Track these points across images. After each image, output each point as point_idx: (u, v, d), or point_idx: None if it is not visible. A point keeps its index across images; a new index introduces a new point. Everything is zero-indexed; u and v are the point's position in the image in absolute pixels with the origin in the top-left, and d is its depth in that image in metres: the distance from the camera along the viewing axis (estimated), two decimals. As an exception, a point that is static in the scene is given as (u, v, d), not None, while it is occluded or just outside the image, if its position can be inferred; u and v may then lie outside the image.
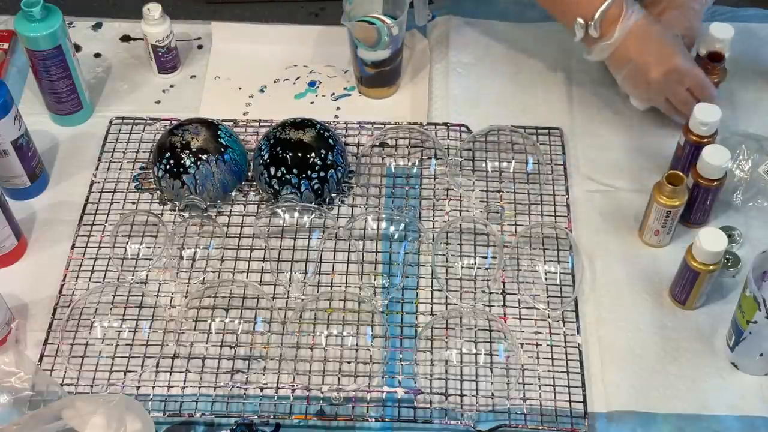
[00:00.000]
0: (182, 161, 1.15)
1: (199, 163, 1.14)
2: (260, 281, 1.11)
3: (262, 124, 1.26)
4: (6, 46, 1.36)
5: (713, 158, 1.08)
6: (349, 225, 1.15)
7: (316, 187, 1.16)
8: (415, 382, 1.03)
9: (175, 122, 1.22)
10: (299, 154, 1.15)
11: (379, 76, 1.29)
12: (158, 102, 1.32)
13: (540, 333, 1.07)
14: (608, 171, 1.23)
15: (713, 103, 1.13)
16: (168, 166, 1.15)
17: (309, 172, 1.15)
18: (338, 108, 1.31)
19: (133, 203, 1.19)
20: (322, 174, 1.15)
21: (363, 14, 1.27)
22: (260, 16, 2.46)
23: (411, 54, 1.36)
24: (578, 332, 1.07)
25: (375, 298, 1.10)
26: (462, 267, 1.12)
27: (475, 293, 1.10)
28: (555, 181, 1.21)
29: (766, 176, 1.17)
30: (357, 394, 1.02)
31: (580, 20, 1.17)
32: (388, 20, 1.25)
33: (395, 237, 1.15)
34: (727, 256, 1.12)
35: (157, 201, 1.19)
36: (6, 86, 1.11)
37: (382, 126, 1.26)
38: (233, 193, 1.19)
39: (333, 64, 1.36)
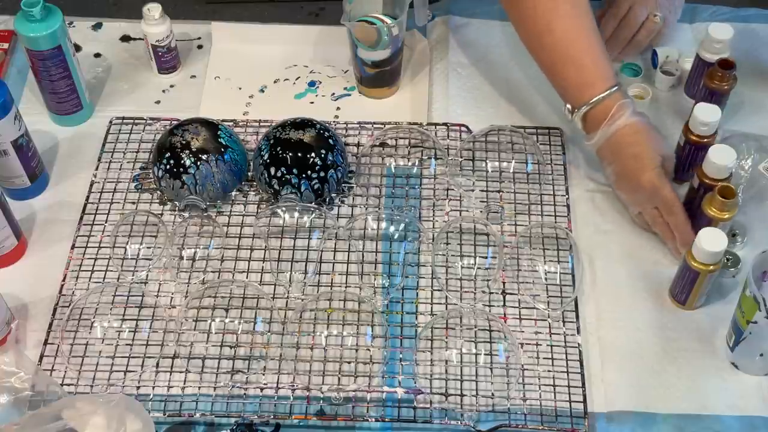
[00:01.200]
0: (182, 161, 1.15)
1: (199, 163, 1.14)
2: (260, 281, 1.11)
3: (262, 124, 1.26)
4: (6, 46, 1.36)
5: (719, 158, 1.08)
6: (349, 225, 1.15)
7: (316, 187, 1.16)
8: (415, 382, 1.03)
9: (175, 122, 1.22)
10: (299, 154, 1.15)
11: (380, 76, 1.29)
12: (158, 102, 1.32)
13: (540, 333, 1.07)
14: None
15: (686, 232, 1.09)
16: (168, 166, 1.15)
17: (309, 172, 1.15)
18: (338, 108, 1.31)
19: (133, 203, 1.19)
20: (322, 174, 1.15)
21: (363, 14, 1.27)
22: (260, 16, 2.46)
23: (411, 54, 1.36)
24: (578, 332, 1.07)
25: (375, 298, 1.10)
26: (462, 267, 1.12)
27: (475, 293, 1.10)
28: (555, 181, 1.21)
29: (767, 173, 1.17)
30: (357, 394, 1.02)
31: (568, 106, 1.16)
32: (388, 20, 1.25)
33: (395, 237, 1.15)
34: (727, 256, 1.12)
35: (157, 201, 1.19)
36: (6, 86, 1.11)
37: (382, 126, 1.26)
38: (233, 193, 1.19)
39: (333, 64, 1.36)
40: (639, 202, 1.14)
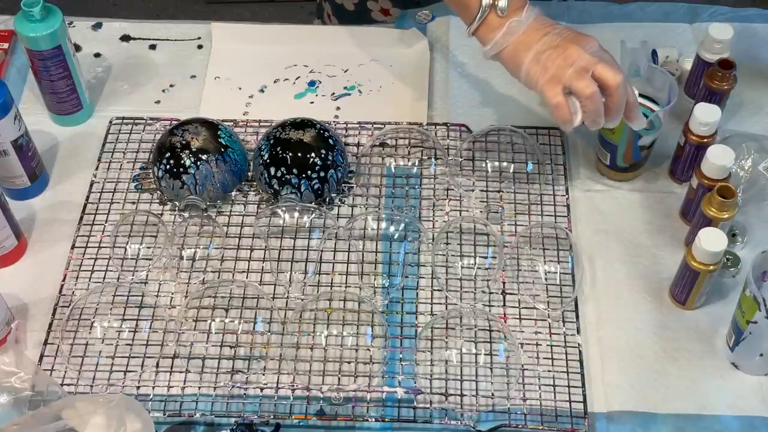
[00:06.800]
0: (182, 161, 1.15)
1: (199, 163, 1.14)
2: (260, 281, 1.11)
3: (262, 124, 1.26)
4: (6, 46, 1.36)
5: (718, 158, 1.08)
6: (349, 225, 1.15)
7: (316, 187, 1.16)
8: (415, 382, 1.03)
9: (175, 122, 1.22)
10: (299, 154, 1.15)
11: (645, 157, 1.21)
12: (158, 102, 1.32)
13: (540, 333, 1.07)
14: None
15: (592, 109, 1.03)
16: (168, 166, 1.15)
17: (309, 172, 1.15)
18: (338, 108, 1.31)
19: (133, 203, 1.19)
20: (322, 174, 1.15)
21: None
22: (260, 16, 2.47)
23: (411, 54, 1.36)
24: (578, 332, 1.07)
25: (375, 298, 1.10)
26: (462, 267, 1.12)
27: (475, 293, 1.10)
28: (555, 181, 1.21)
29: (767, 173, 1.17)
30: (357, 394, 1.02)
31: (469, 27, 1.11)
32: (654, 106, 1.17)
33: (395, 237, 1.15)
34: (727, 256, 1.12)
35: (157, 201, 1.19)
36: (6, 86, 1.12)
37: (382, 126, 1.26)
38: (233, 193, 1.19)
39: (333, 63, 1.36)
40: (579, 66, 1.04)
